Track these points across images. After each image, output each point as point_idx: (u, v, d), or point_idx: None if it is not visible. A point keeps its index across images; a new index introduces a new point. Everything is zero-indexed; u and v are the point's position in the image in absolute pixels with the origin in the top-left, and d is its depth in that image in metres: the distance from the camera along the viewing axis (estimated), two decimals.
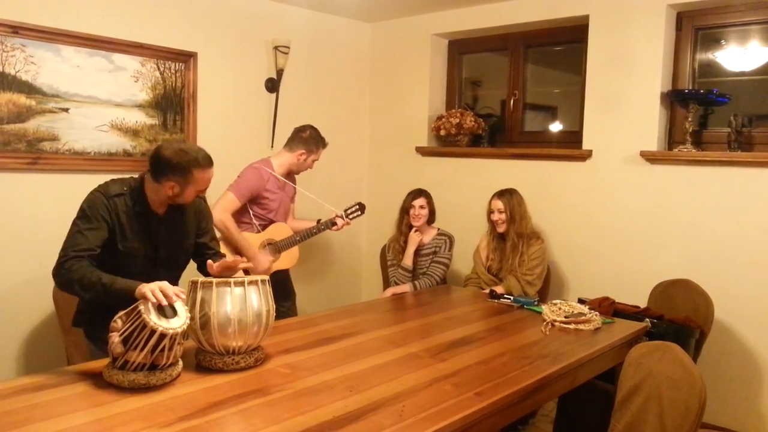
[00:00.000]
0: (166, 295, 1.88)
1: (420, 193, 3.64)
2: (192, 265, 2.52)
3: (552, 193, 3.80)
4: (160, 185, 2.17)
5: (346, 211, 3.56)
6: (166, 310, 1.88)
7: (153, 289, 1.88)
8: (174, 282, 2.35)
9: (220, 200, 3.23)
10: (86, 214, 2.13)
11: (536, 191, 3.67)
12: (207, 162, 2.20)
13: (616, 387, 2.08)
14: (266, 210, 3.38)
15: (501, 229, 3.44)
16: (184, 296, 1.94)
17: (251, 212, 3.34)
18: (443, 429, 1.64)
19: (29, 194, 3.15)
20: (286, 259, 3.49)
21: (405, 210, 3.65)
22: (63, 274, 2.05)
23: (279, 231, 3.43)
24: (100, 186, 2.21)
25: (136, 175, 2.28)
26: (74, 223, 2.13)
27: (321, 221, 3.55)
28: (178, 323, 1.85)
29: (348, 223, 3.54)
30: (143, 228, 2.23)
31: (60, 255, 2.08)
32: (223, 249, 3.16)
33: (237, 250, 3.23)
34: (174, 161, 2.13)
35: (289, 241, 3.45)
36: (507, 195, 3.45)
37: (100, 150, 3.37)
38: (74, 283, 2.03)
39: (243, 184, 3.30)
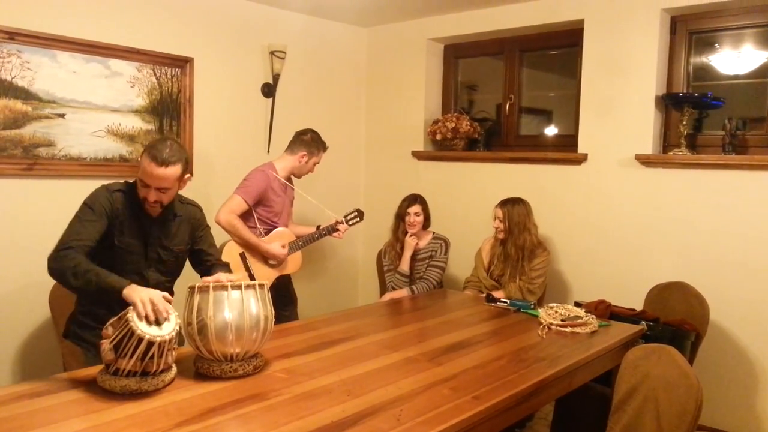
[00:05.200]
0: (156, 310, 1.87)
1: (415, 199, 3.63)
2: (193, 271, 2.52)
3: (548, 197, 3.81)
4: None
5: (345, 217, 3.56)
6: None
7: (144, 300, 1.87)
8: (166, 287, 2.35)
9: (227, 203, 3.24)
10: (88, 206, 2.19)
11: (532, 195, 3.66)
12: (155, 157, 2.14)
13: (613, 390, 2.08)
14: (271, 213, 3.37)
15: (500, 236, 3.44)
16: (173, 312, 1.93)
17: (256, 216, 3.33)
18: None
19: (25, 200, 3.15)
20: (290, 264, 3.48)
21: (400, 217, 3.65)
22: (58, 261, 2.05)
23: (282, 236, 3.42)
24: (103, 185, 2.27)
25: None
26: (76, 215, 2.18)
27: (321, 227, 3.55)
28: (166, 331, 1.83)
29: (347, 229, 3.55)
30: (138, 225, 2.28)
31: (58, 243, 2.10)
32: (235, 247, 3.23)
33: (248, 247, 3.27)
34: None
35: (292, 245, 3.44)
36: (509, 205, 3.41)
37: (96, 156, 3.37)
38: (67, 270, 2.02)
39: (251, 186, 3.29)
